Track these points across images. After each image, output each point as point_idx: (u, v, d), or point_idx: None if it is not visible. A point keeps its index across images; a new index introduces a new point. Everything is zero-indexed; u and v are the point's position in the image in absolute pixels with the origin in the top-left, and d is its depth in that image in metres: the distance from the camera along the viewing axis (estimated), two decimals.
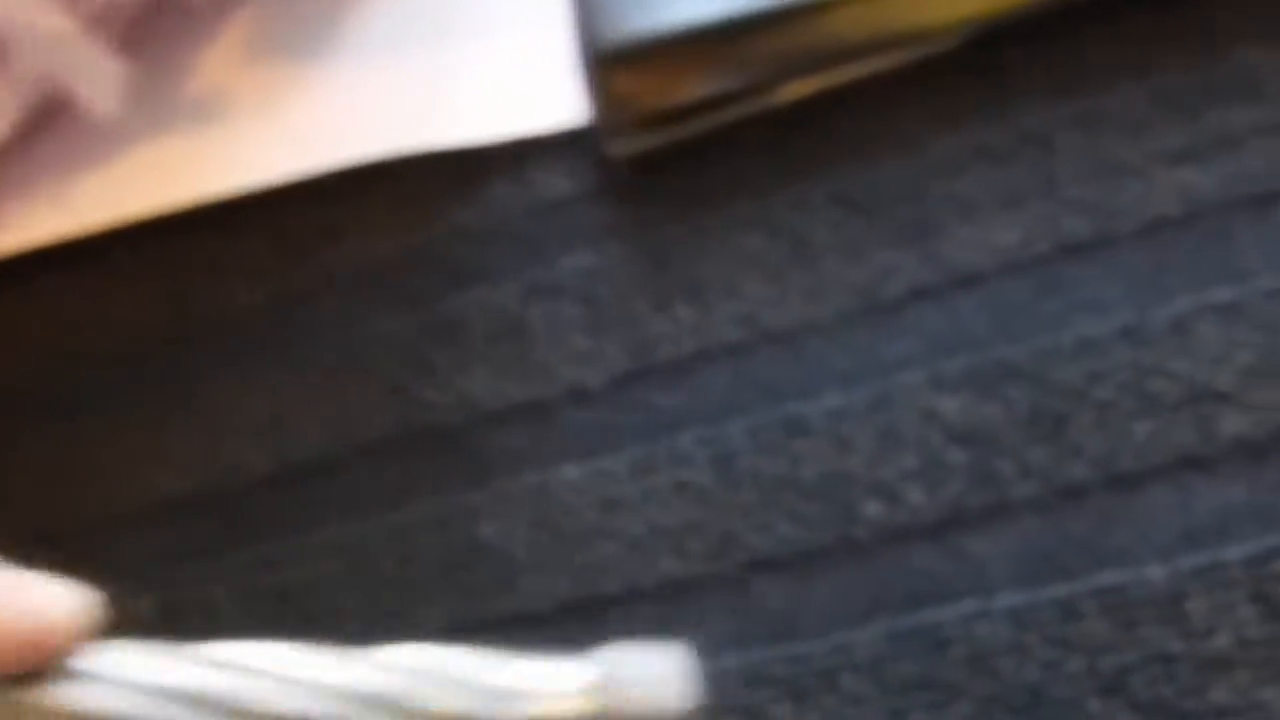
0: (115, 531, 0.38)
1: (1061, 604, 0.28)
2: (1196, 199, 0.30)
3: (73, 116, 0.42)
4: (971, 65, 0.33)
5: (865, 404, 0.31)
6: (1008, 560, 0.29)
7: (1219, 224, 0.30)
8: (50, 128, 0.43)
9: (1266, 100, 0.30)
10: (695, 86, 0.34)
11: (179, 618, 0.36)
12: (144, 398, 0.39)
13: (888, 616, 0.29)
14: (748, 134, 0.35)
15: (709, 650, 0.30)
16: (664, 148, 0.35)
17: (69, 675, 0.23)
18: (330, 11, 0.42)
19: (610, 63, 0.34)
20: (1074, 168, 0.31)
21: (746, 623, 0.30)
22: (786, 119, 0.35)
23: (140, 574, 0.36)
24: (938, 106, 0.33)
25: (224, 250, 0.41)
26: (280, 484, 0.37)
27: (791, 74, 0.34)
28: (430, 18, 0.40)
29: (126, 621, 0.36)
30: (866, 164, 0.33)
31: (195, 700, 0.22)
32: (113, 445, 0.39)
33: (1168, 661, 0.27)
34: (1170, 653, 0.27)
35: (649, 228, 0.35)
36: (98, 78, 0.41)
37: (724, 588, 0.31)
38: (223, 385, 0.39)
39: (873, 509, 0.30)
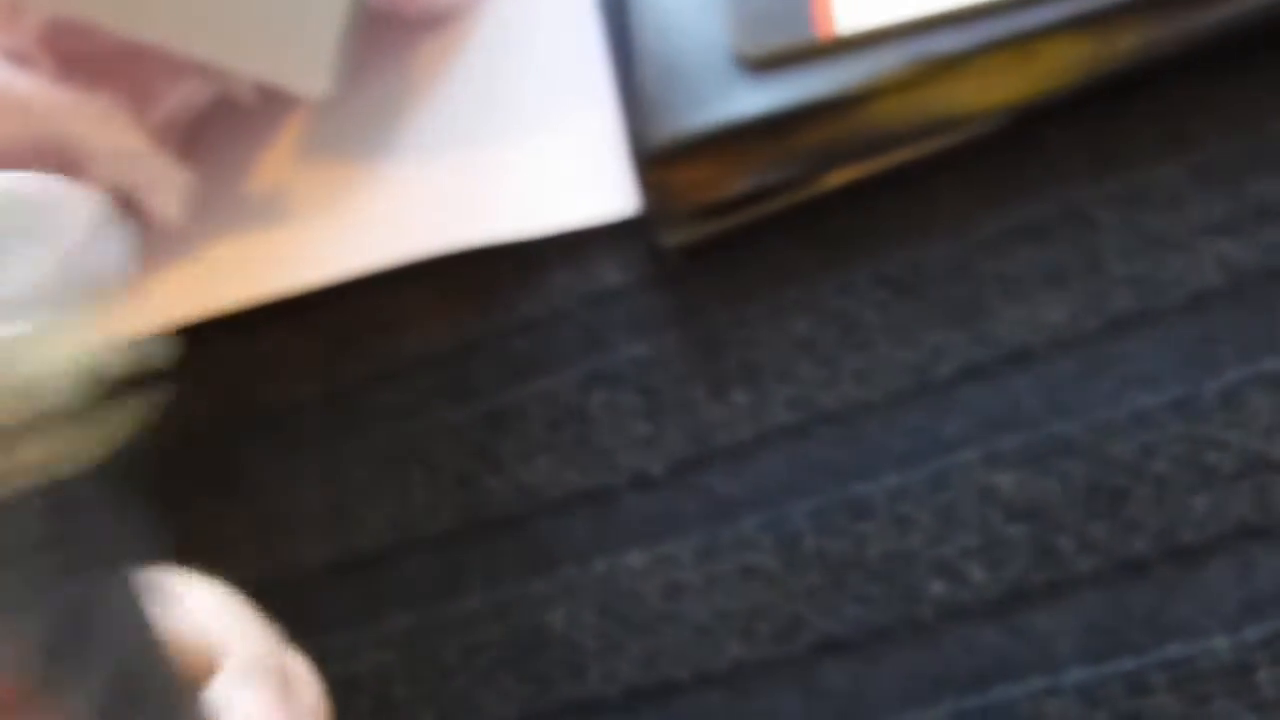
0: None
1: (1129, 679, 0.28)
2: (1240, 270, 0.31)
3: (139, 222, 0.44)
4: (1012, 145, 0.34)
5: (924, 483, 0.32)
6: (1073, 636, 0.29)
7: (1264, 294, 0.30)
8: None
9: None
10: (742, 180, 0.35)
11: None
12: (203, 491, 0.40)
13: (955, 696, 0.29)
14: (794, 220, 0.36)
15: None
16: (713, 236, 0.36)
17: None
18: (384, 109, 0.44)
19: (659, 159, 0.35)
20: (1118, 243, 0.32)
21: (815, 705, 0.31)
22: (831, 204, 0.35)
23: None
24: (980, 187, 0.34)
25: (283, 345, 0.42)
26: (340, 575, 0.37)
27: (835, 164, 0.35)
28: (483, 114, 0.42)
29: None
30: (911, 246, 0.34)
31: None
32: (170, 539, 0.40)
33: None
34: None
35: (701, 315, 0.36)
36: (164, 186, 0.43)
37: (792, 671, 0.31)
38: (282, 478, 0.40)
39: (936, 588, 0.31)
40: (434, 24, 0.44)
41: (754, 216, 0.36)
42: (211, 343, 0.43)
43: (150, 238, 0.44)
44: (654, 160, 0.35)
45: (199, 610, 0.25)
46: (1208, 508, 0.29)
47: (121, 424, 0.19)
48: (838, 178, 0.35)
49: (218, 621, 0.24)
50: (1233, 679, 0.28)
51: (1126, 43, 0.32)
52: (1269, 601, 0.28)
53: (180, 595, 0.24)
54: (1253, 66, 0.32)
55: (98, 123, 0.39)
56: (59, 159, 0.41)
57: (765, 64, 0.35)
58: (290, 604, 0.38)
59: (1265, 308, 0.30)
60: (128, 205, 0.43)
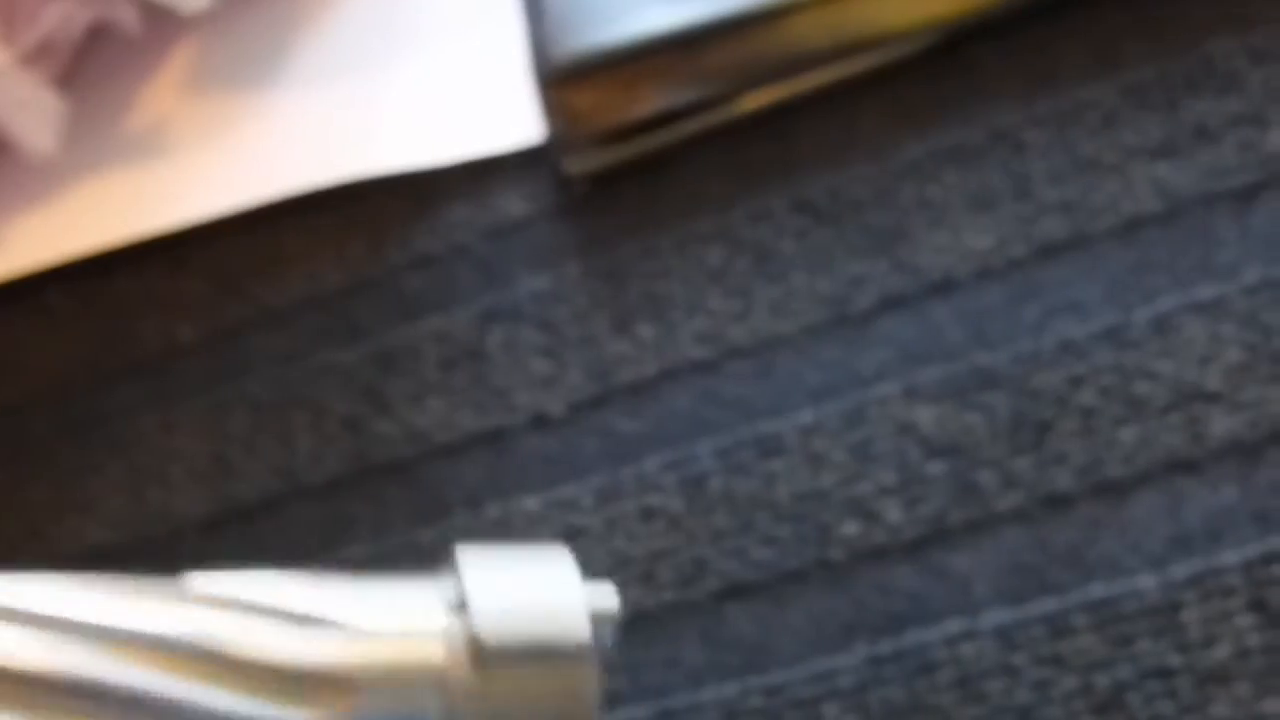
0: None
1: (1051, 620, 0.26)
2: (1175, 195, 0.29)
3: (8, 153, 0.41)
4: (937, 66, 0.32)
5: (839, 419, 0.30)
6: (993, 576, 0.27)
7: (1199, 220, 0.29)
8: None
9: (1241, 91, 0.29)
10: (652, 101, 0.33)
11: None
12: (74, 441, 0.37)
13: (869, 641, 0.27)
14: (706, 145, 0.34)
15: (682, 683, 0.28)
16: (621, 163, 0.34)
17: None
18: (273, 39, 0.41)
19: (563, 79, 0.33)
20: (1047, 167, 0.30)
21: (721, 652, 0.28)
22: (745, 128, 0.33)
23: None
24: (903, 109, 0.32)
25: (162, 286, 0.39)
26: (219, 527, 0.35)
27: (751, 84, 0.33)
28: (378, 39, 0.39)
29: None
30: (831, 171, 0.32)
31: None
32: (40, 492, 0.37)
33: (1165, 676, 0.25)
34: (1167, 667, 0.25)
35: (607, 246, 0.34)
36: (35, 114, 0.39)
37: (696, 617, 0.29)
38: (159, 426, 0.37)
39: (850, 528, 0.29)
40: None
41: (664, 142, 0.34)
42: (83, 283, 0.40)
43: (20, 171, 0.41)
44: (557, 81, 0.33)
45: None
46: (1136, 440, 0.27)
47: None
48: (753, 100, 0.33)
49: None
50: (1158, 619, 0.26)
51: None
52: (1197, 538, 0.26)
53: None
54: None
55: None
56: None
57: None
58: (166, 557, 0.35)
59: (1200, 234, 0.29)
60: None
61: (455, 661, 0.17)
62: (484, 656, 0.17)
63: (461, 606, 0.18)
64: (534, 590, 0.18)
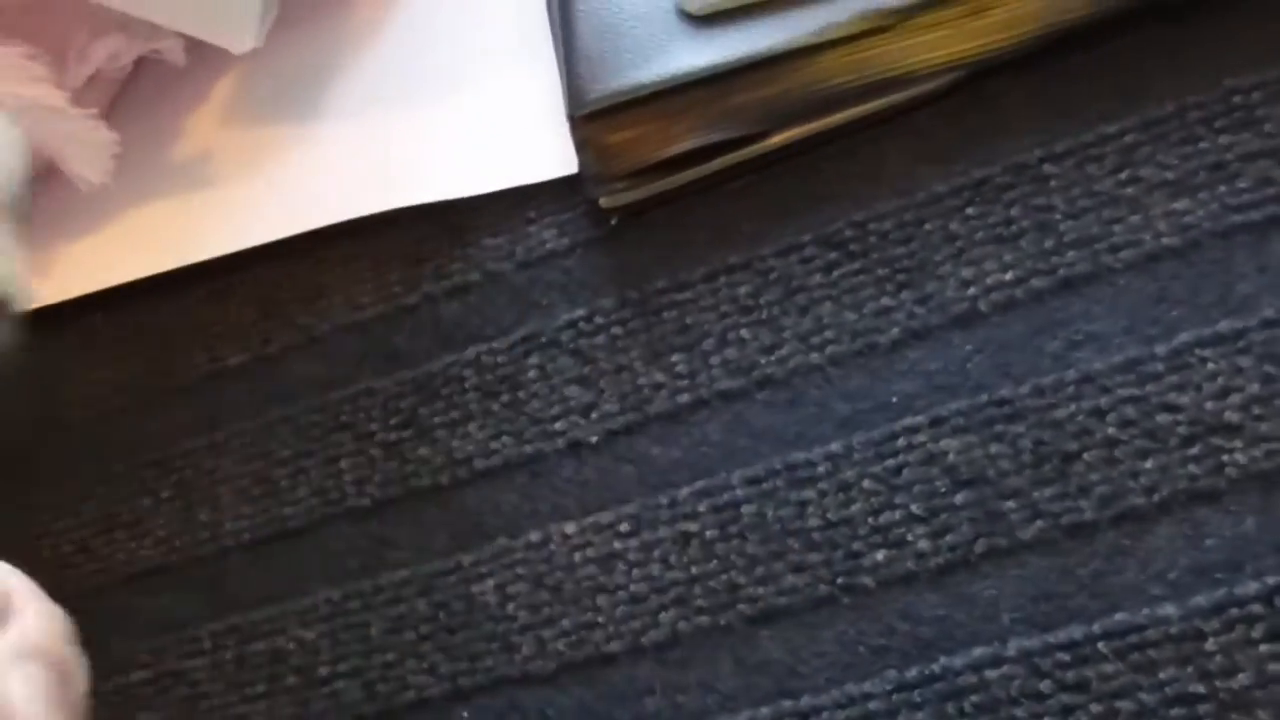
0: (96, 603, 0.37)
1: (1076, 647, 0.27)
2: (1194, 229, 0.30)
3: (59, 183, 0.42)
4: (960, 104, 0.33)
5: (867, 449, 0.30)
6: (1018, 604, 0.28)
7: (1218, 254, 0.30)
8: (38, 196, 0.43)
9: (1259, 127, 0.30)
10: (682, 138, 0.34)
11: (165, 689, 0.35)
12: (123, 462, 0.39)
13: (897, 666, 0.28)
14: (735, 180, 0.35)
15: (716, 706, 0.29)
16: (652, 197, 0.35)
17: None
18: (314, 72, 0.42)
19: (596, 116, 0.34)
20: (1068, 202, 0.31)
21: (754, 676, 0.29)
22: (773, 164, 0.34)
23: (123, 646, 0.36)
24: (927, 146, 0.33)
25: (207, 313, 0.40)
26: (264, 549, 0.36)
27: (779, 122, 0.33)
28: (416, 73, 0.40)
29: (112, 694, 0.36)
30: (857, 206, 0.33)
31: None
32: (89, 511, 0.38)
33: (1189, 703, 0.26)
34: (1191, 694, 0.26)
35: (639, 278, 0.35)
36: (85, 146, 0.41)
37: (728, 641, 0.30)
38: (207, 448, 0.38)
39: (878, 556, 0.29)
40: None
41: (694, 177, 0.35)
42: (130, 309, 0.41)
43: (69, 200, 0.42)
44: (591, 118, 0.34)
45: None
46: (1157, 471, 0.28)
47: None
48: (781, 138, 0.34)
49: (21, 586, 0.22)
50: (1181, 647, 0.27)
51: None
52: (1219, 567, 0.27)
53: None
54: (1207, 21, 0.31)
55: (13, 75, 0.37)
56: None
57: (708, 18, 0.33)
58: (212, 578, 0.37)
59: (1219, 268, 0.29)
60: (47, 167, 0.42)
61: None
62: None
63: None
64: None
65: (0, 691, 0.20)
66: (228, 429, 0.38)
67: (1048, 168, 0.32)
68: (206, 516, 0.37)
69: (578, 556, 0.32)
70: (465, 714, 0.32)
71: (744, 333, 0.33)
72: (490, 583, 0.33)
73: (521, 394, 0.35)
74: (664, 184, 0.35)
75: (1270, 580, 0.27)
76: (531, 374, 0.35)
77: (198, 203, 0.41)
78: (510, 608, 0.32)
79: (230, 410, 0.39)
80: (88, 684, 0.23)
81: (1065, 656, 0.27)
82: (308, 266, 0.40)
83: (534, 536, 0.33)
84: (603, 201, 0.35)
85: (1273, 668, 0.26)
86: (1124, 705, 0.27)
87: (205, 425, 0.39)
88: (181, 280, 0.41)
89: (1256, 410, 0.28)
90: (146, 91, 0.45)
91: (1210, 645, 0.27)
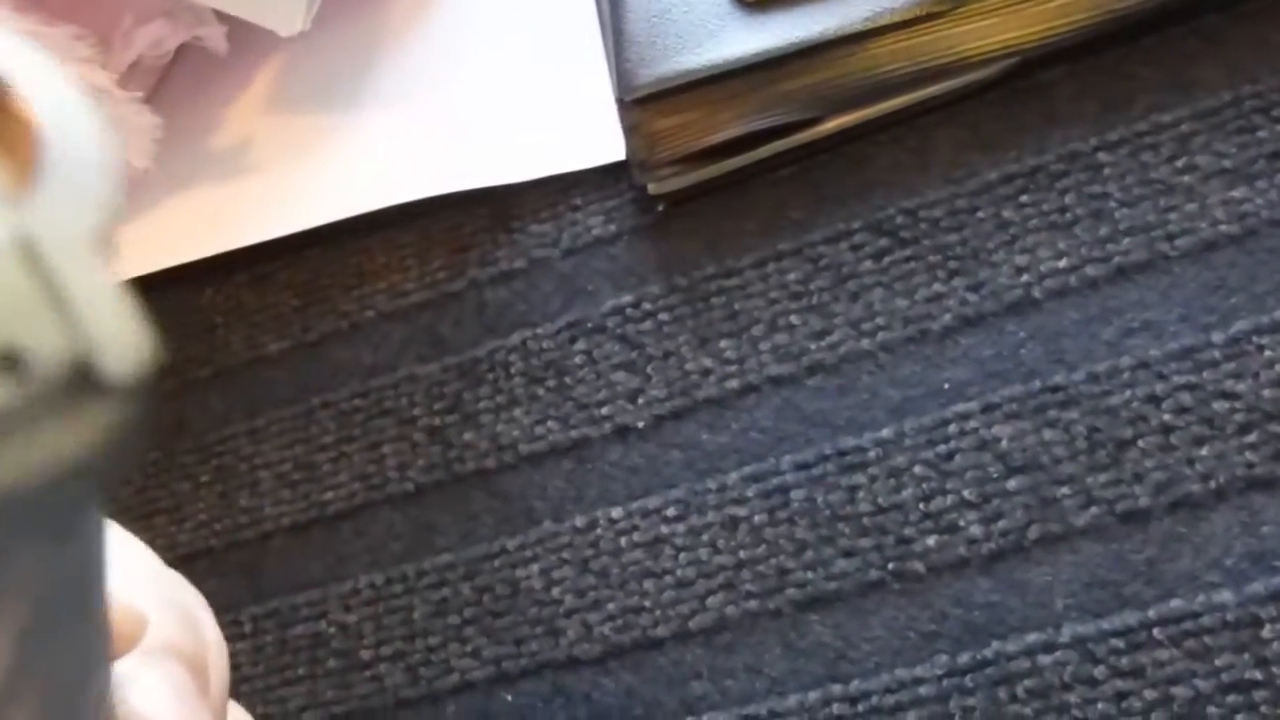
0: None
1: (1130, 633, 0.27)
2: (1251, 217, 0.30)
3: None
4: (1012, 92, 0.33)
5: (918, 435, 0.30)
6: (1072, 590, 0.28)
7: (1275, 242, 0.29)
8: None
9: None
10: (731, 124, 0.34)
11: None
12: (163, 447, 0.39)
13: (948, 652, 0.28)
14: (785, 167, 0.35)
15: (765, 690, 0.29)
16: (701, 184, 0.35)
17: None
18: (357, 58, 0.42)
19: (644, 102, 0.34)
20: (1123, 190, 0.31)
21: (800, 661, 0.29)
22: (823, 151, 0.34)
23: None
24: (980, 134, 0.33)
25: (249, 299, 0.40)
26: (308, 533, 0.36)
27: (829, 109, 0.33)
28: (462, 58, 0.40)
29: None
30: (907, 194, 0.33)
31: None
32: (129, 495, 0.38)
33: (1245, 690, 0.26)
34: (1248, 680, 0.26)
35: (688, 265, 0.35)
36: (130, 131, 0.41)
37: (776, 626, 0.30)
38: (247, 434, 0.38)
39: (930, 541, 0.29)
40: None
41: (743, 164, 0.35)
42: (173, 294, 0.41)
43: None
44: (640, 102, 0.34)
45: (129, 577, 0.22)
46: (1213, 458, 0.28)
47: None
48: (831, 125, 0.34)
49: (145, 594, 0.21)
50: (1238, 634, 0.26)
51: None
52: (1276, 554, 0.27)
53: (115, 558, 0.22)
54: (1262, 10, 0.31)
55: (60, 55, 0.38)
56: None
57: (759, 4, 0.33)
58: (255, 562, 0.37)
59: (1276, 256, 0.29)
60: None
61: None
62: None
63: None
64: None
65: (132, 698, 0.18)
66: (268, 415, 0.38)
67: (1102, 156, 0.31)
68: (247, 501, 0.37)
69: (624, 541, 0.32)
70: (509, 697, 0.32)
71: (794, 319, 0.33)
72: (535, 567, 0.33)
73: (568, 379, 0.35)
74: (712, 170, 0.35)
75: None
76: (578, 359, 0.35)
77: (239, 189, 0.42)
78: (555, 592, 0.32)
79: (270, 396, 0.39)
80: (227, 681, 0.23)
81: (1119, 643, 0.27)
82: (350, 253, 0.40)
83: (579, 521, 0.33)
84: (650, 188, 0.35)
85: None
86: (1179, 692, 0.26)
87: (245, 411, 0.39)
88: (222, 266, 0.41)
89: None
90: (188, 79, 0.45)
91: (1267, 632, 0.26)
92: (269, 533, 0.37)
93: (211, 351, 0.40)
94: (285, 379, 0.39)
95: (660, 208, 0.36)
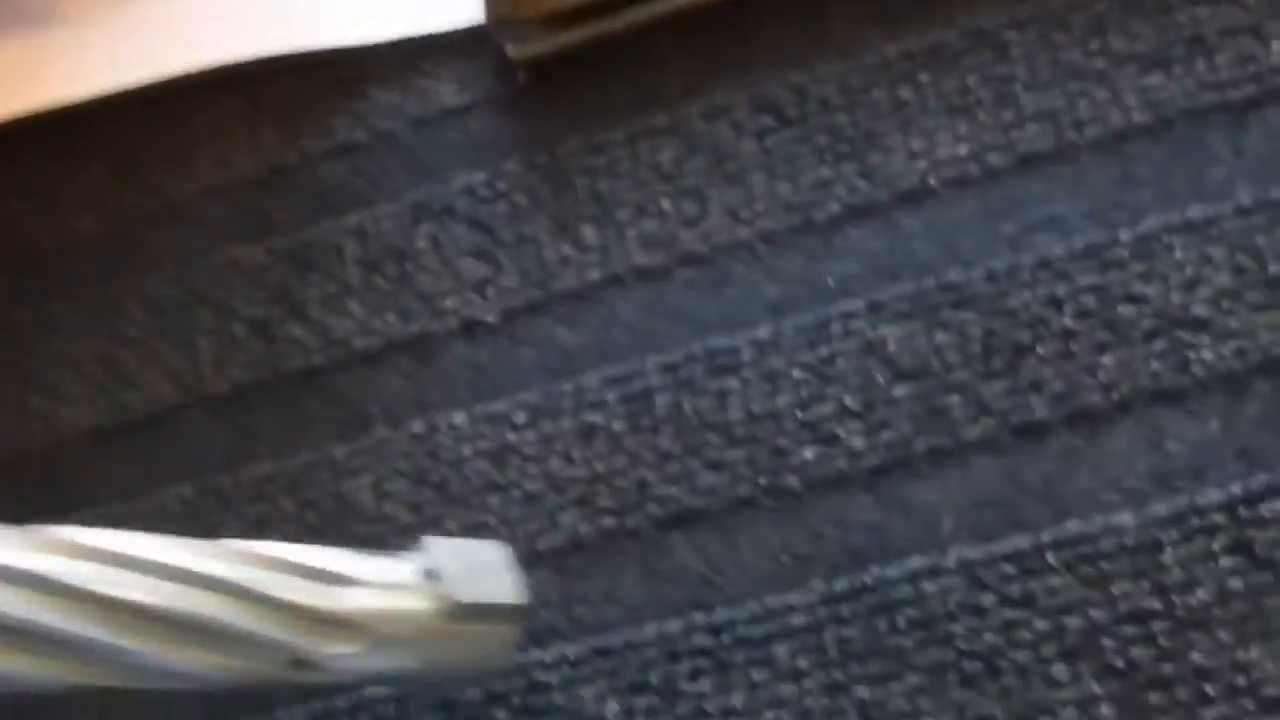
0: None
1: (1022, 558, 0.25)
2: (1166, 108, 0.27)
3: None
4: None
5: (798, 336, 0.27)
6: (960, 510, 0.25)
7: (1191, 135, 0.27)
8: None
9: (1240, 1, 0.27)
10: None
11: None
12: None
13: (825, 577, 0.26)
14: (660, 36, 0.31)
15: (621, 619, 0.26)
16: (567, 52, 0.31)
17: None
18: None
19: None
20: (1031, 73, 0.28)
21: (663, 586, 0.26)
22: (704, 19, 0.31)
23: None
24: (877, 6, 0.30)
25: (53, 171, 0.36)
26: (111, 440, 0.32)
27: None
28: None
29: None
30: (796, 69, 0.30)
31: (34, 581, 0.20)
32: None
33: (1143, 620, 0.24)
34: (1146, 610, 0.24)
35: (550, 141, 0.31)
36: None
37: (637, 547, 0.27)
38: (44, 326, 0.34)
39: (807, 454, 0.27)
40: None
41: (615, 29, 0.31)
42: None
43: None
44: None
45: None
46: (1117, 368, 0.26)
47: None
48: None
49: None
50: (1137, 559, 0.24)
51: None
52: (1180, 474, 0.25)
53: None
54: None
55: None
56: None
57: None
58: (52, 473, 0.32)
59: (1192, 150, 0.27)
60: None
61: (434, 614, 0.23)
62: (456, 612, 0.23)
63: (431, 576, 0.23)
64: (485, 568, 0.24)
65: None
66: (67, 303, 0.34)
67: (1009, 35, 0.29)
68: (40, 403, 0.33)
69: (466, 450, 0.29)
70: None
71: (664, 203, 0.29)
72: (366, 479, 0.29)
73: (409, 267, 0.31)
74: (580, 34, 0.31)
75: (1235, 489, 0.24)
76: (421, 245, 0.31)
77: (46, 44, 0.37)
78: (388, 507, 0.29)
79: (72, 282, 0.34)
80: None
81: (1010, 568, 0.25)
82: (169, 122, 0.35)
83: (417, 427, 0.29)
84: (511, 52, 0.31)
85: (1234, 583, 0.24)
86: (1072, 622, 0.24)
87: (40, 298, 0.34)
88: (23, 134, 0.36)
89: (1226, 304, 0.26)
90: None
91: (1167, 558, 0.24)
92: (65, 440, 0.33)
93: (7, 230, 0.36)
94: (89, 262, 0.34)
95: (521, 76, 0.32)
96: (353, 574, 0.22)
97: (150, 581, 0.21)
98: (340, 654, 0.22)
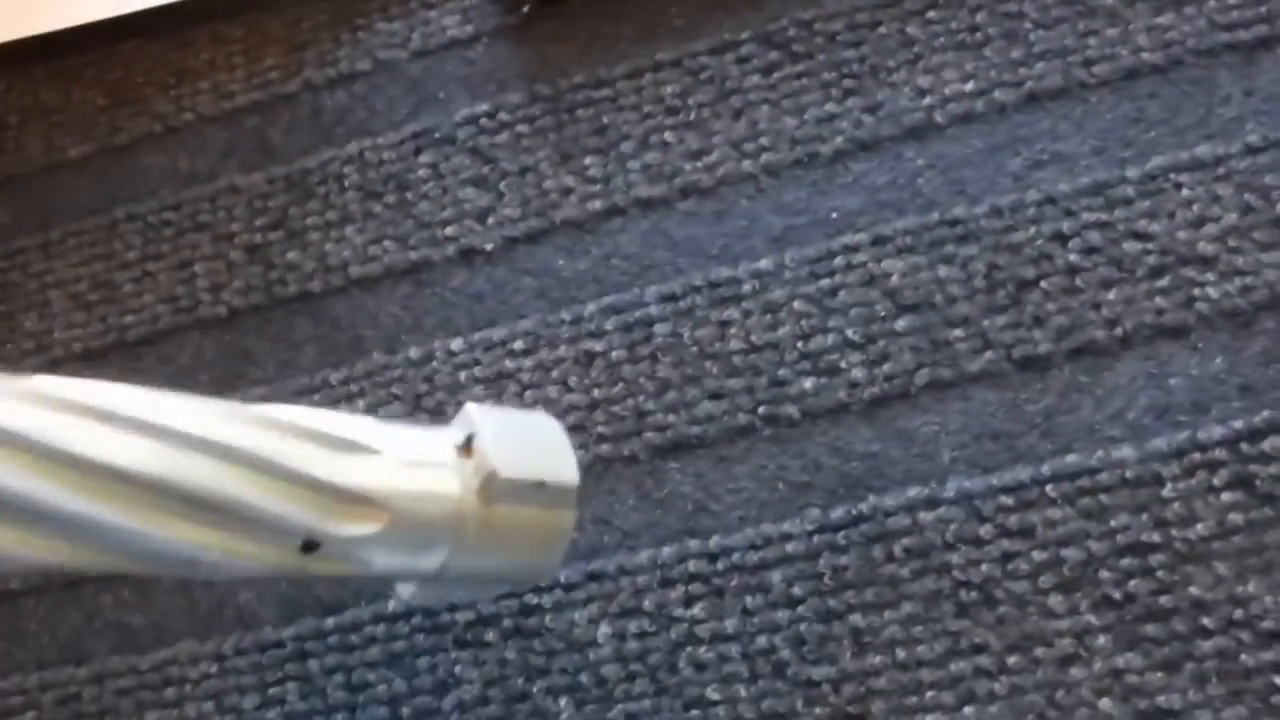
0: None
1: (1021, 490, 0.24)
2: (1176, 46, 0.27)
3: None
4: None
5: (800, 267, 0.27)
6: (960, 442, 0.25)
7: (1201, 74, 0.27)
8: None
9: None
10: None
11: None
12: None
13: (822, 505, 0.25)
14: None
15: (615, 544, 0.26)
16: None
17: None
18: None
19: None
20: (1040, 9, 0.28)
21: (658, 513, 0.26)
22: None
23: None
24: None
25: (50, 96, 0.35)
26: (101, 362, 0.31)
27: None
28: None
29: None
30: (803, 3, 0.29)
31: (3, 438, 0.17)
32: None
33: (1141, 553, 0.24)
34: (1144, 543, 0.24)
35: (553, 72, 0.31)
36: None
37: (633, 473, 0.26)
38: (39, 248, 0.33)
39: (806, 384, 0.26)
40: None
41: None
42: None
43: None
44: None
45: None
46: (1121, 303, 0.25)
47: None
48: None
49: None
50: (1137, 493, 0.24)
51: None
52: (1182, 409, 0.24)
53: None
54: None
55: None
56: None
57: None
58: None
59: (1201, 89, 0.27)
60: None
61: (468, 492, 0.19)
62: (494, 489, 0.19)
63: (467, 447, 0.20)
64: (533, 440, 0.21)
65: None
66: (64, 227, 0.33)
67: None
68: (34, 324, 0.33)
69: (463, 376, 0.28)
70: None
71: (668, 135, 0.29)
72: (361, 404, 0.29)
73: (409, 195, 0.30)
74: None
75: (1236, 424, 0.24)
76: (422, 173, 0.31)
77: None
78: None
79: (68, 206, 0.34)
80: None
81: (1009, 500, 0.24)
82: (169, 48, 0.35)
83: (414, 353, 0.29)
84: None
85: (1234, 518, 0.23)
86: (1070, 554, 0.24)
87: (37, 222, 0.34)
88: (18, 58, 0.35)
89: (1233, 242, 0.25)
90: None
91: (1168, 492, 0.24)
92: (58, 359, 0.32)
93: (5, 157, 0.35)
94: (86, 187, 0.34)
95: (526, 7, 0.31)
96: (374, 443, 0.19)
97: (135, 442, 0.17)
98: (358, 535, 0.18)
